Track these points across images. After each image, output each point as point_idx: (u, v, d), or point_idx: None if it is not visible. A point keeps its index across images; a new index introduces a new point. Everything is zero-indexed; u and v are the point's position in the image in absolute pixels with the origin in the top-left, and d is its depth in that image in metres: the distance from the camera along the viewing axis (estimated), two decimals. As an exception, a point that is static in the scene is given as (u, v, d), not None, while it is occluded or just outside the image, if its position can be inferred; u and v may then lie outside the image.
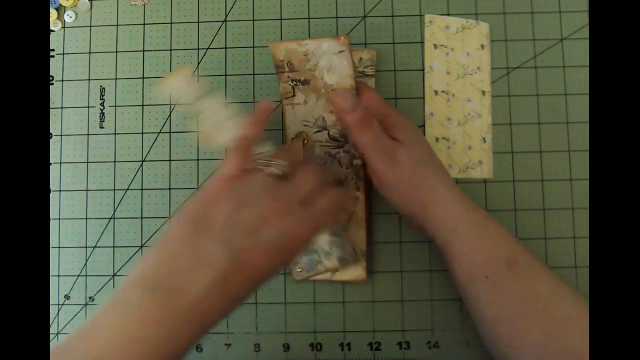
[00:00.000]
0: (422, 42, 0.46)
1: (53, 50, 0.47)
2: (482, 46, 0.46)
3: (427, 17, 0.46)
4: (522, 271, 0.37)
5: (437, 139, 0.45)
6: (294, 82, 0.42)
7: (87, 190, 0.46)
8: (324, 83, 0.41)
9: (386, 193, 0.39)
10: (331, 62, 0.40)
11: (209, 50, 0.46)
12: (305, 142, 0.42)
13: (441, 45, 0.46)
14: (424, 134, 0.45)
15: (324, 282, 0.44)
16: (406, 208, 0.39)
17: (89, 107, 0.46)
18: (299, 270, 0.43)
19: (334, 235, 0.42)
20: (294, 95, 0.42)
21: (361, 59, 0.45)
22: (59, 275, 0.45)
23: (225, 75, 0.46)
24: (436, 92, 0.45)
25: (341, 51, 0.40)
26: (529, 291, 0.36)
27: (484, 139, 0.45)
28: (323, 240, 0.42)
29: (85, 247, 0.45)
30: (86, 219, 0.45)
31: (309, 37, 0.46)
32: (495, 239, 0.38)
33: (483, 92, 0.46)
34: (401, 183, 0.38)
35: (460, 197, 0.39)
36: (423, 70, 0.46)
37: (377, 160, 0.38)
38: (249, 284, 0.31)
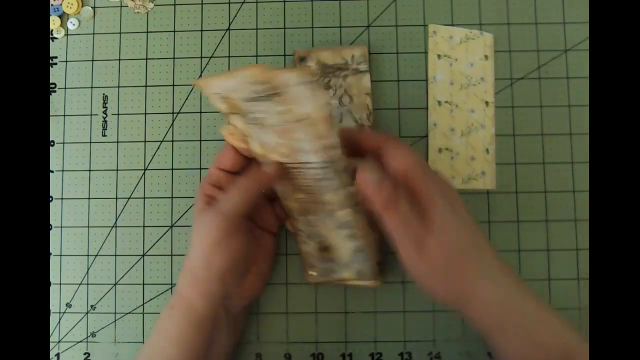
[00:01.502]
0: (426, 52, 0.46)
1: (56, 57, 0.47)
2: (486, 57, 0.46)
3: (431, 27, 0.46)
4: None
5: (440, 150, 0.45)
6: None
7: (89, 198, 0.46)
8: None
9: (417, 281, 0.35)
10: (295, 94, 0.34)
11: (212, 58, 0.46)
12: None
13: (445, 56, 0.46)
14: (427, 146, 0.45)
15: (332, 286, 0.44)
16: (441, 299, 0.36)
17: (91, 115, 0.46)
18: (313, 273, 0.43)
19: (358, 252, 0.41)
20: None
21: (353, 56, 0.45)
22: (60, 284, 0.45)
23: (229, 84, 0.46)
24: (439, 103, 0.45)
25: (305, 83, 0.33)
26: None
27: (487, 149, 0.45)
28: (344, 254, 0.42)
29: (87, 255, 0.45)
30: (88, 227, 0.45)
31: (313, 46, 0.46)
32: (549, 335, 0.34)
33: (487, 103, 0.46)
34: (433, 276, 0.34)
35: (508, 281, 0.34)
36: (427, 80, 0.46)
37: (404, 248, 0.34)
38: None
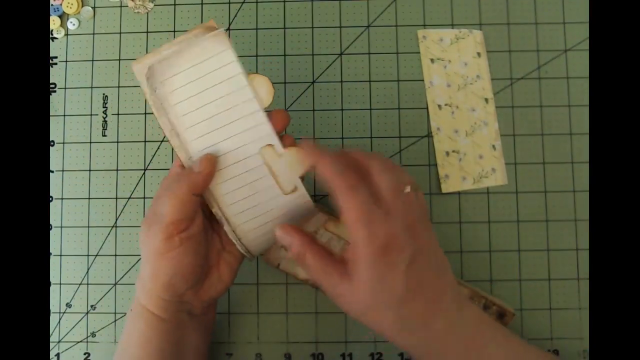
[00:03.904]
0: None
1: (56, 57, 0.47)
2: (479, 54, 0.46)
3: (420, 33, 0.46)
4: None
5: (447, 153, 0.45)
6: None
7: (89, 198, 0.46)
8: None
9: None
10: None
11: (212, 58, 0.46)
12: None
13: (438, 59, 0.46)
14: (433, 150, 0.45)
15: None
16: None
17: (91, 115, 0.46)
18: (277, 264, 0.43)
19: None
20: None
21: None
22: (60, 284, 0.45)
23: (229, 84, 0.46)
24: (440, 106, 0.45)
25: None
26: None
27: (493, 146, 0.45)
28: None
29: (87, 255, 0.45)
30: (88, 227, 0.45)
31: (313, 47, 0.46)
32: None
33: (486, 100, 0.46)
34: (351, 307, 0.33)
35: (431, 332, 0.33)
36: (424, 85, 0.46)
37: (323, 288, 0.34)
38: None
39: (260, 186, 0.36)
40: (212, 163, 0.34)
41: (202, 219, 0.36)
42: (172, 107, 0.34)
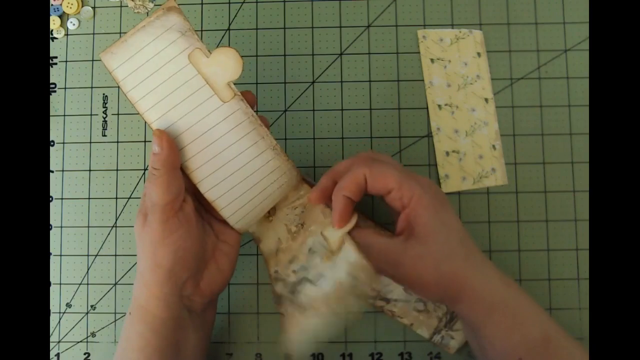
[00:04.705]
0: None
1: (56, 57, 0.47)
2: (479, 54, 0.46)
3: (420, 32, 0.46)
4: (555, 350, 0.35)
5: (447, 153, 0.45)
6: None
7: (89, 198, 0.46)
8: None
9: (407, 287, 0.37)
10: None
11: (212, 58, 0.46)
12: None
13: (438, 59, 0.46)
14: (433, 150, 0.45)
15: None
16: (433, 298, 0.37)
17: (91, 115, 0.46)
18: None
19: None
20: None
21: None
22: (60, 284, 0.45)
23: (229, 84, 0.46)
24: (440, 107, 0.45)
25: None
26: None
27: (493, 146, 0.45)
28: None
29: (87, 255, 0.45)
30: (88, 227, 0.45)
31: (313, 47, 0.46)
32: (530, 319, 0.35)
33: (486, 100, 0.46)
34: (424, 282, 0.34)
35: (493, 274, 0.35)
36: (424, 85, 0.46)
37: (380, 270, 0.34)
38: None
39: (226, 157, 0.36)
40: (164, 139, 0.34)
41: (193, 201, 0.36)
42: (128, 92, 0.34)
